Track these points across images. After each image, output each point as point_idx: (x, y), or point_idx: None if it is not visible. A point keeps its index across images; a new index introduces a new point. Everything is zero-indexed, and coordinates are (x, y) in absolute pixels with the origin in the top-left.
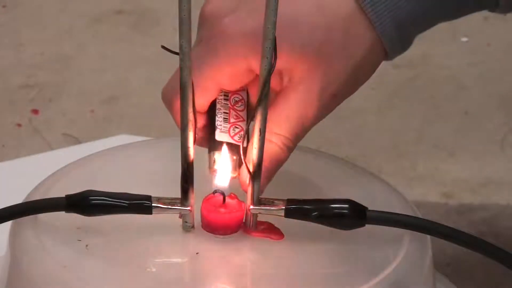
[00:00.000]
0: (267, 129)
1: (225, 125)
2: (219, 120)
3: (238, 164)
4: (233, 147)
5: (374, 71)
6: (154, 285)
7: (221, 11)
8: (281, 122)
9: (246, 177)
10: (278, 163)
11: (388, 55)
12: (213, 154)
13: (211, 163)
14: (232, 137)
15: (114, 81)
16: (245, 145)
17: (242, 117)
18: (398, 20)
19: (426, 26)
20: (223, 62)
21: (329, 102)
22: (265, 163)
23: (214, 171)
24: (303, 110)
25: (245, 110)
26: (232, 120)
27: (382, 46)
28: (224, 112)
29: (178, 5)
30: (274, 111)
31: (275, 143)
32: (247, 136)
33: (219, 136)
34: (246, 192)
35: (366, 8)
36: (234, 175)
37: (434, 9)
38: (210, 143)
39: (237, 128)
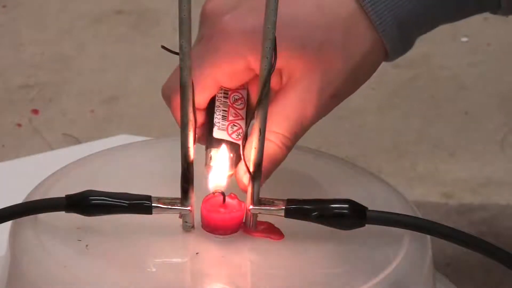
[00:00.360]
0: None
1: (224, 123)
2: (217, 117)
3: (235, 162)
4: (230, 145)
5: (374, 71)
6: (154, 285)
7: (222, 8)
8: (280, 121)
9: (242, 175)
10: (276, 162)
11: (388, 56)
12: (210, 151)
13: (207, 160)
14: (230, 135)
15: (114, 81)
16: (244, 143)
17: (241, 116)
18: (399, 19)
19: (427, 28)
20: (223, 60)
21: (329, 102)
22: (263, 162)
23: (210, 168)
24: (302, 110)
25: (245, 108)
26: (230, 118)
27: (383, 46)
28: (223, 110)
29: (178, 5)
30: (273, 110)
31: (273, 142)
32: (245, 134)
33: (217, 133)
34: (242, 189)
35: (366, 7)
36: (231, 173)
37: (435, 9)
38: (208, 140)
39: (236, 126)
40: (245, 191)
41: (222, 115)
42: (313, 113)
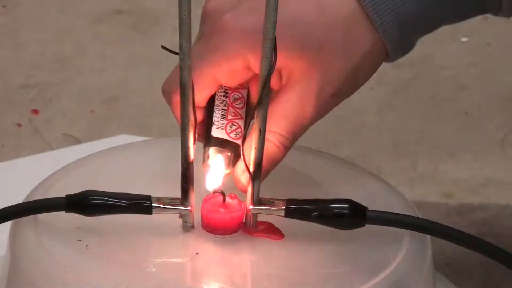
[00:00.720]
0: None
1: (222, 122)
2: (216, 116)
3: (232, 162)
4: (228, 144)
5: (374, 72)
6: (154, 285)
7: (222, 7)
8: (278, 121)
9: (240, 174)
10: (274, 162)
11: (389, 56)
12: (208, 149)
13: (205, 158)
14: (228, 134)
15: (114, 81)
16: (242, 143)
17: (240, 115)
18: (399, 19)
19: (428, 29)
20: (222, 58)
21: (328, 102)
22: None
23: (207, 166)
24: (301, 109)
25: (244, 108)
26: (230, 117)
27: (383, 46)
28: (223, 109)
29: (178, 5)
30: (272, 110)
31: (272, 142)
32: (245, 134)
33: (215, 132)
34: (240, 189)
35: (367, 7)
36: (227, 172)
37: (436, 10)
38: (206, 138)
39: (234, 125)
40: (243, 191)
41: (221, 114)
42: (312, 113)
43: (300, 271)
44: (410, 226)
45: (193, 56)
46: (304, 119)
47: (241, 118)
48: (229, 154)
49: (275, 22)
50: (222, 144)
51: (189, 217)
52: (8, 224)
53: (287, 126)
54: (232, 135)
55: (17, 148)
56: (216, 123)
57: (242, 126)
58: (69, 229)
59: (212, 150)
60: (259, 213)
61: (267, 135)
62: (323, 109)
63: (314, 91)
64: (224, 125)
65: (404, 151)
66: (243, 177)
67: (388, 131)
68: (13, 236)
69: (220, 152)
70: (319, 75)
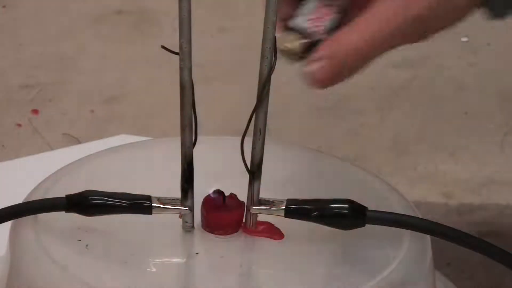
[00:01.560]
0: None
1: (310, 16)
2: (305, 10)
3: (307, 47)
4: (309, 35)
5: (465, 13)
6: (154, 285)
7: None
8: (362, 22)
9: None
10: (361, 55)
11: (488, 3)
12: (286, 33)
13: (279, 42)
14: (310, 28)
15: (114, 81)
16: (323, 37)
17: (329, 12)
18: None
19: None
20: None
21: (409, 24)
22: (348, 56)
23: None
24: (383, 21)
25: (335, 8)
26: (318, 15)
27: None
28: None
29: (178, 5)
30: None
31: (357, 32)
32: (329, 29)
33: (298, 21)
34: (307, 80)
35: None
36: (301, 57)
37: None
38: (286, 26)
39: (321, 19)
40: (310, 83)
41: (311, 8)
42: (391, 30)
43: (300, 271)
44: (410, 226)
45: None
46: (384, 31)
47: (329, 14)
48: (306, 42)
49: (275, 22)
50: (303, 32)
51: (189, 217)
52: (8, 224)
53: (369, 28)
54: (313, 29)
55: (17, 148)
56: (301, 15)
57: (328, 22)
58: (69, 229)
59: (290, 34)
60: (259, 213)
61: (351, 27)
62: (403, 30)
63: (399, 7)
64: (310, 19)
65: (404, 151)
66: (315, 65)
67: (388, 131)
68: (13, 236)
69: (299, 38)
70: None
